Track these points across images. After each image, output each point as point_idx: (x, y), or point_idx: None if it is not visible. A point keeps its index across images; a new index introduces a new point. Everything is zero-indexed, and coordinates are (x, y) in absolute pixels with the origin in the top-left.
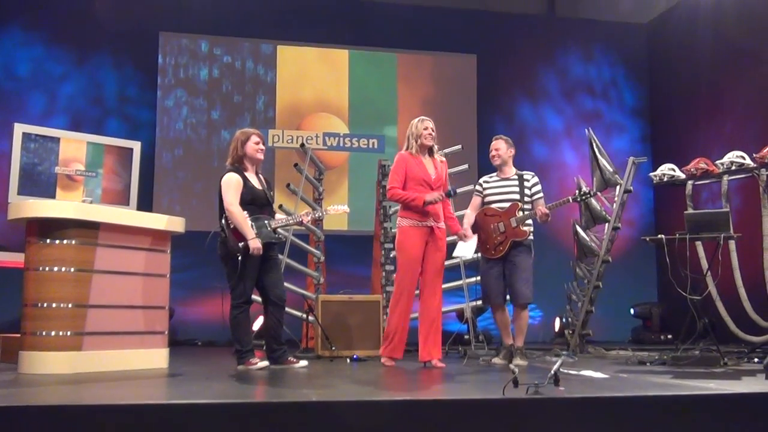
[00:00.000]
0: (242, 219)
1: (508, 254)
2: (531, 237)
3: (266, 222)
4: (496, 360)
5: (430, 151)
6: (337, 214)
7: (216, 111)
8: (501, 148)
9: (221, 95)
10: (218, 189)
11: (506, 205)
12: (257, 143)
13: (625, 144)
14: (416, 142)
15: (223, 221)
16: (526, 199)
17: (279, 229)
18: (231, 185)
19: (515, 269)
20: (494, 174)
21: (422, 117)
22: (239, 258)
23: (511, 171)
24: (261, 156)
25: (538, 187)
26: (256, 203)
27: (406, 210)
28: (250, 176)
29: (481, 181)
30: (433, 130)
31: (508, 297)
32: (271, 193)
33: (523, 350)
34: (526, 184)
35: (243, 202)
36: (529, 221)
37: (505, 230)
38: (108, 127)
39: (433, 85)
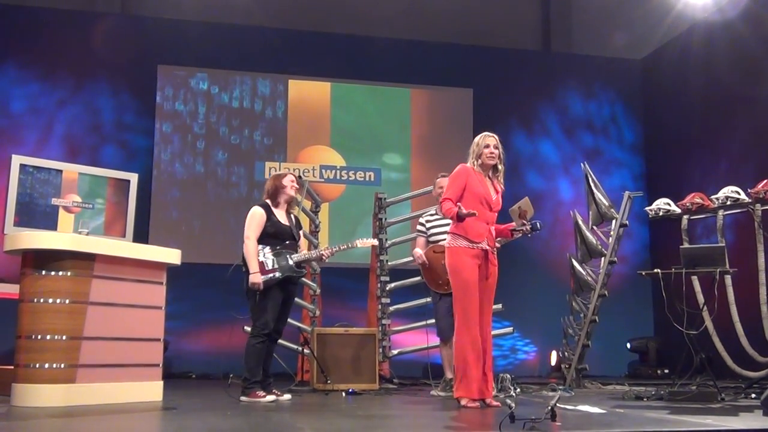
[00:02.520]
0: (253, 253)
1: None
2: None
3: (288, 256)
4: (435, 392)
5: (493, 171)
6: (365, 246)
7: (213, 143)
8: (441, 184)
9: (218, 127)
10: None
11: None
12: (292, 181)
13: (621, 180)
14: (477, 161)
15: None
16: None
17: (302, 263)
18: (254, 219)
19: None
20: (433, 211)
21: (485, 133)
22: (261, 291)
23: None
24: (294, 193)
25: None
26: (279, 237)
27: (458, 227)
28: (279, 213)
29: (422, 220)
30: (495, 148)
31: None
32: (300, 231)
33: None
34: None
35: (265, 234)
36: None
37: None
38: (104, 155)
39: (429, 119)
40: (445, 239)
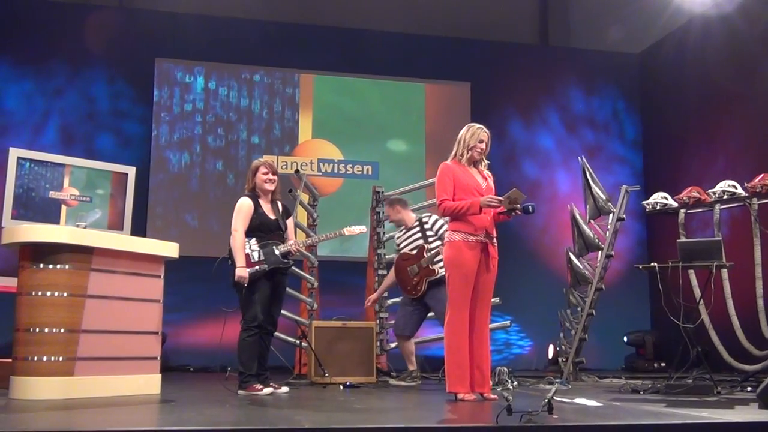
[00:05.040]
0: (240, 246)
1: (427, 293)
2: (443, 272)
3: (275, 247)
4: (395, 382)
5: (476, 163)
6: (353, 234)
7: (210, 136)
8: (387, 213)
9: (216, 120)
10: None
11: (416, 251)
12: (265, 173)
13: (618, 177)
14: (466, 153)
15: None
16: (433, 238)
17: (289, 255)
18: (241, 211)
19: (437, 304)
20: (402, 228)
21: (479, 126)
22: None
23: (411, 221)
24: (269, 186)
25: (440, 222)
26: (263, 229)
27: (457, 222)
28: (264, 204)
29: (397, 241)
30: (487, 145)
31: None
32: (287, 219)
33: None
34: (425, 227)
35: (251, 227)
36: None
37: (419, 271)
38: (101, 145)
39: (427, 112)
40: (412, 249)
